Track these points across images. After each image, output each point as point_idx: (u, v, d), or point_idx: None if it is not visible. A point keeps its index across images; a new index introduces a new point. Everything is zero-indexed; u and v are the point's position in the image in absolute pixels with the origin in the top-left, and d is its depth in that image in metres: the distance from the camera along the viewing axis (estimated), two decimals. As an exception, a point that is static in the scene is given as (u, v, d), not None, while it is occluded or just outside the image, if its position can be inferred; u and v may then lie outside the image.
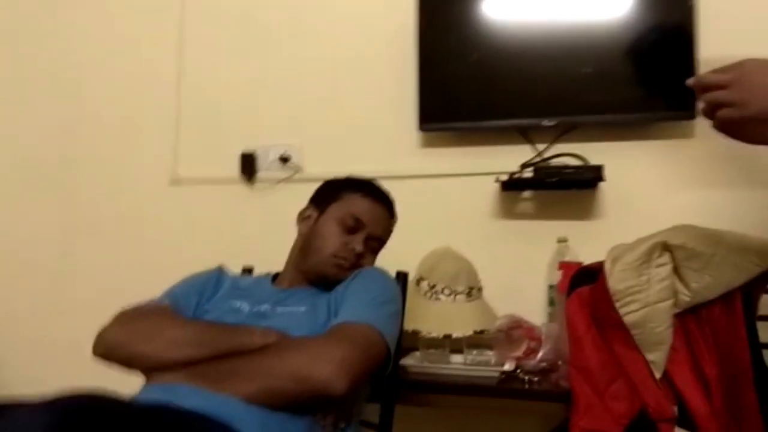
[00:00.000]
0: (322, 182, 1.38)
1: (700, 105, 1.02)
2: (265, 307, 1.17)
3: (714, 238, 1.13)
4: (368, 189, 1.31)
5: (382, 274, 1.24)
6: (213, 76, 1.98)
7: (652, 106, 1.56)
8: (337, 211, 1.27)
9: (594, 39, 1.58)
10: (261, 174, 1.88)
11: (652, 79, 1.56)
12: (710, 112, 0.97)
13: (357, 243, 1.24)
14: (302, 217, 1.34)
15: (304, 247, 1.28)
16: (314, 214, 1.31)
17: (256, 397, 0.97)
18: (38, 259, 2.07)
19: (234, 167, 1.90)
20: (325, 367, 0.98)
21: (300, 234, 1.32)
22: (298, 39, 1.91)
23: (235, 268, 1.44)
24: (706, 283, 1.12)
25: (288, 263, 1.32)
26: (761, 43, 1.47)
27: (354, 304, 1.12)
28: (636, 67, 1.57)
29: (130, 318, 1.13)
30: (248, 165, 1.88)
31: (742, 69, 0.93)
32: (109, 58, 2.09)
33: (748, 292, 1.13)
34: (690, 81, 1.01)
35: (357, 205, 1.27)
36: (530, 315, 1.49)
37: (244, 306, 1.18)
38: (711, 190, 1.56)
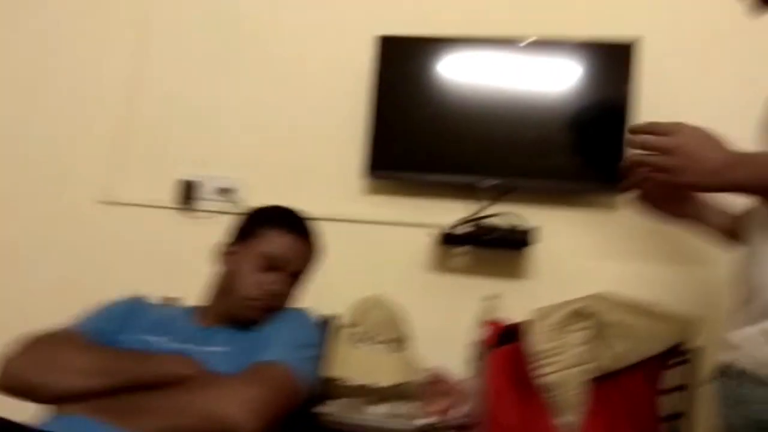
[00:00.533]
0: (245, 214, 1.34)
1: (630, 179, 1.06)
2: (187, 346, 1.13)
3: (631, 308, 1.17)
4: (284, 224, 1.25)
5: (305, 317, 1.23)
6: (164, 98, 1.94)
7: (585, 177, 1.63)
8: (253, 248, 1.22)
9: (539, 108, 1.66)
10: (198, 203, 1.84)
11: (587, 151, 1.63)
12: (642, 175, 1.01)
13: (273, 282, 1.19)
14: (225, 253, 1.28)
15: (225, 286, 1.23)
16: (234, 249, 1.26)
17: None
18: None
19: (171, 193, 1.86)
20: (237, 407, 0.95)
21: (221, 269, 1.27)
22: (256, 73, 1.91)
23: (163, 294, 1.39)
24: (623, 351, 1.15)
25: (210, 299, 1.27)
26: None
27: (273, 344, 1.10)
28: (574, 139, 1.64)
29: (35, 345, 1.07)
30: (186, 192, 1.84)
31: (682, 136, 0.92)
32: (57, 67, 2.03)
33: (661, 362, 1.17)
34: (631, 138, 1.00)
35: (272, 242, 1.22)
36: (456, 369, 1.49)
37: (162, 342, 1.13)
38: (633, 262, 1.63)
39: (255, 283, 1.18)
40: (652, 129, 0.95)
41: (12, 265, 1.93)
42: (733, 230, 0.98)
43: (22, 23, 2.09)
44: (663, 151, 0.92)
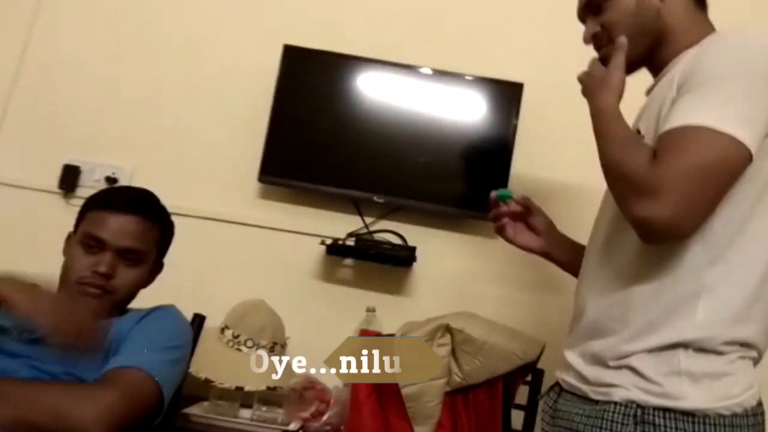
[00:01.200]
0: None
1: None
2: (25, 346, 1.06)
3: (489, 328, 1.27)
4: (107, 201, 1.20)
5: (174, 316, 1.21)
6: (55, 77, 1.87)
7: (468, 203, 1.74)
8: (80, 232, 1.18)
9: (432, 134, 1.75)
10: (82, 190, 1.78)
11: (472, 179, 1.75)
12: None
13: (101, 264, 1.14)
14: (64, 247, 1.23)
15: (62, 276, 1.19)
16: (72, 237, 1.22)
17: (3, 424, 0.90)
18: None
19: (55, 177, 1.79)
20: (88, 410, 0.95)
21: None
22: (158, 61, 1.88)
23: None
24: (476, 367, 1.24)
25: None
26: (568, 171, 1.74)
27: (133, 346, 1.08)
28: (462, 167, 1.75)
29: None
30: (70, 178, 1.77)
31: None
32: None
33: (509, 381, 1.28)
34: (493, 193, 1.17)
35: (95, 221, 1.17)
36: (329, 377, 1.53)
37: (7, 324, 1.07)
38: (503, 286, 1.74)
39: (84, 266, 1.14)
40: None
41: None
42: (577, 265, 1.10)
43: None
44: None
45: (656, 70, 0.99)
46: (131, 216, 1.18)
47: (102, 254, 1.15)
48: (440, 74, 1.77)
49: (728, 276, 0.83)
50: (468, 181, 1.76)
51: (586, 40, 1.03)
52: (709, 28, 0.97)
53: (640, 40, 0.96)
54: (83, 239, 1.16)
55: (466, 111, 1.77)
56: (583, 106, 0.99)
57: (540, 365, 1.36)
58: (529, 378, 1.37)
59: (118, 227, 1.16)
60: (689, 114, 0.81)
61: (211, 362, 1.42)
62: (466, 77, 1.77)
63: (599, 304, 0.92)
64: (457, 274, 1.76)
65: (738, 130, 0.79)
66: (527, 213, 1.17)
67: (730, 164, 0.80)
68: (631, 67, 0.97)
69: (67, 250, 1.21)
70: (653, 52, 0.97)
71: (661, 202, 0.79)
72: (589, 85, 0.97)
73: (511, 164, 1.73)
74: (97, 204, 1.20)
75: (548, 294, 1.72)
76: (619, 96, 0.93)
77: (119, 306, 1.20)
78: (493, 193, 1.17)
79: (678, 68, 0.89)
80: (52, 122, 1.85)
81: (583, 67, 1.03)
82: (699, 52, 0.87)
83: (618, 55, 0.95)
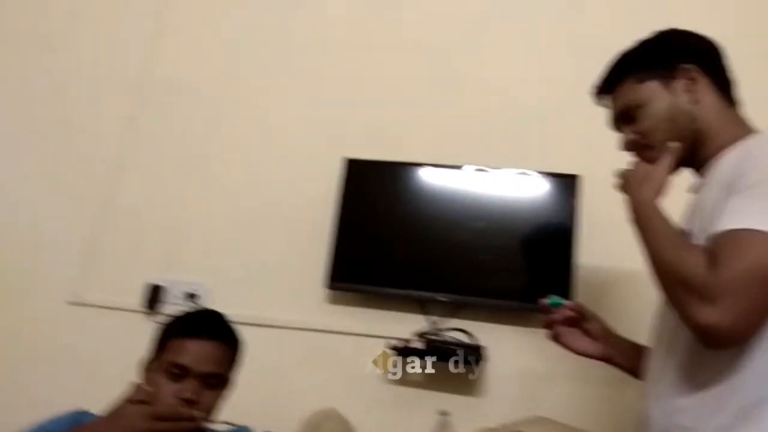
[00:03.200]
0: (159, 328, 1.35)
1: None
2: None
3: (565, 432, 1.22)
4: (187, 329, 1.26)
5: None
6: (138, 202, 2.05)
7: (533, 297, 1.71)
8: (163, 362, 1.23)
9: (492, 232, 1.78)
10: (165, 307, 1.89)
11: (535, 273, 1.74)
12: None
13: (186, 390, 1.18)
14: (145, 369, 1.28)
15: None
16: (154, 366, 1.26)
17: None
18: None
19: (138, 297, 1.92)
20: None
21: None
22: (228, 180, 2.03)
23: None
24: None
25: None
26: (633, 259, 1.70)
27: None
28: (524, 261, 1.76)
29: None
30: (153, 296, 1.90)
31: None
32: (32, 166, 2.14)
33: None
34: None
35: (177, 350, 1.22)
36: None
37: None
38: (576, 382, 1.67)
39: (168, 393, 1.18)
40: None
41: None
42: (639, 368, 1.07)
43: None
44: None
45: (697, 169, 1.00)
46: (210, 341, 1.24)
47: (186, 381, 1.20)
48: (496, 171, 1.82)
49: None
50: (531, 274, 1.75)
51: (624, 148, 1.06)
52: (746, 126, 0.99)
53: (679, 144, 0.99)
54: (167, 368, 1.21)
55: (526, 206, 1.80)
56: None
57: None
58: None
59: (199, 353, 1.22)
60: (741, 217, 0.82)
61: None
62: (523, 173, 1.81)
63: (665, 411, 0.89)
64: (527, 370, 1.71)
65: None
66: (581, 319, 1.16)
67: None
68: (674, 169, 0.99)
69: (148, 378, 1.25)
70: (692, 154, 0.99)
71: (722, 308, 0.78)
72: (631, 179, 0.99)
73: (575, 255, 1.72)
74: (177, 332, 1.26)
75: (620, 389, 1.63)
76: (660, 193, 0.95)
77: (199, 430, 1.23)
78: (545, 301, 1.18)
79: (722, 170, 0.91)
80: (135, 245, 2.01)
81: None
82: (744, 154, 0.89)
83: (667, 157, 0.97)
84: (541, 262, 1.75)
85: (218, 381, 1.25)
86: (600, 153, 1.79)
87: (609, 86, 1.09)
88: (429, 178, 1.86)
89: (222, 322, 1.31)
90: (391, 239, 1.83)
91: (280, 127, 2.07)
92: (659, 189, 0.95)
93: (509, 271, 1.76)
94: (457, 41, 2.04)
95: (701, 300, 0.80)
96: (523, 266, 1.76)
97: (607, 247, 1.76)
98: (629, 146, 1.05)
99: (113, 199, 2.08)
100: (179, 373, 1.20)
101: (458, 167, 1.85)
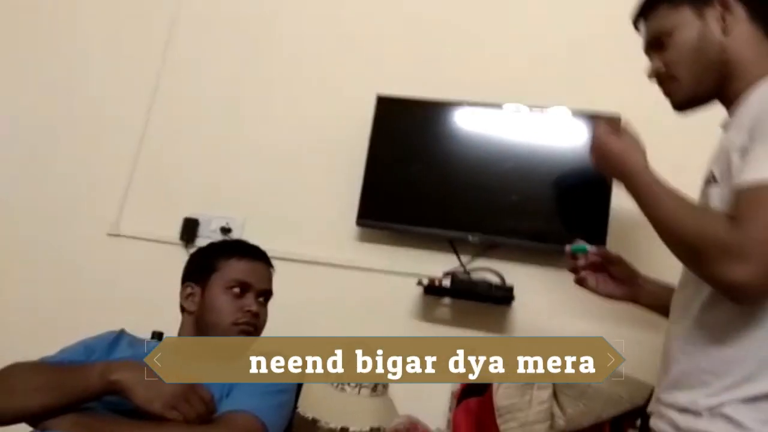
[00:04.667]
0: (190, 256, 1.43)
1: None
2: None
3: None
4: (242, 251, 1.36)
5: None
6: (175, 138, 2.08)
7: (564, 239, 1.70)
8: (220, 280, 1.29)
9: (523, 172, 1.75)
10: (200, 240, 1.94)
11: (568, 215, 1.72)
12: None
13: (250, 304, 1.28)
14: (185, 296, 1.34)
15: (199, 325, 1.29)
16: (197, 290, 1.32)
17: None
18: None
19: (175, 230, 1.96)
20: None
21: (189, 313, 1.33)
22: (263, 121, 2.04)
23: (158, 328, 1.51)
24: (580, 411, 1.21)
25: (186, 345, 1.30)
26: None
27: (242, 391, 1.15)
28: (556, 203, 1.73)
29: (3, 375, 1.11)
30: (189, 230, 1.94)
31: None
32: (73, 107, 2.19)
33: (615, 426, 1.23)
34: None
35: (237, 269, 1.31)
36: (432, 419, 1.55)
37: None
38: (603, 323, 1.67)
39: (237, 308, 1.27)
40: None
41: (28, 285, 2.04)
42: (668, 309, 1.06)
43: (46, 63, 2.25)
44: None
45: (729, 104, 0.95)
46: (263, 263, 1.36)
47: (248, 296, 1.29)
48: (532, 110, 1.78)
49: None
50: (566, 216, 1.73)
51: (650, 76, 1.02)
52: None
53: (705, 75, 0.95)
54: (230, 285, 1.29)
55: (562, 146, 1.75)
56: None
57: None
58: (638, 423, 1.30)
59: (260, 272, 1.34)
60: (764, 167, 0.78)
61: (317, 402, 1.48)
62: (561, 112, 1.76)
63: (691, 356, 0.88)
64: (555, 311, 1.72)
65: None
66: (607, 263, 1.15)
67: None
68: (699, 102, 0.95)
69: (200, 301, 1.30)
70: (723, 87, 0.94)
71: (750, 263, 0.77)
72: (610, 154, 1.00)
73: (610, 197, 1.69)
74: (232, 254, 1.34)
75: (648, 331, 1.63)
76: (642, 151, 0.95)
77: None
78: (568, 248, 1.18)
79: (748, 109, 0.87)
80: (173, 180, 2.05)
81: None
82: (764, 91, 0.84)
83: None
84: (575, 204, 1.72)
85: (268, 299, 1.36)
86: (641, 92, 1.74)
87: (644, 10, 1.05)
88: (462, 115, 1.82)
89: (259, 248, 1.40)
90: (420, 178, 1.81)
91: (315, 64, 2.05)
92: (644, 151, 0.92)
93: (541, 212, 1.74)
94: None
95: (729, 258, 0.78)
96: (556, 208, 1.73)
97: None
98: (654, 75, 1.02)
99: (152, 135, 2.10)
100: (242, 289, 1.29)
101: (491, 104, 1.80)
